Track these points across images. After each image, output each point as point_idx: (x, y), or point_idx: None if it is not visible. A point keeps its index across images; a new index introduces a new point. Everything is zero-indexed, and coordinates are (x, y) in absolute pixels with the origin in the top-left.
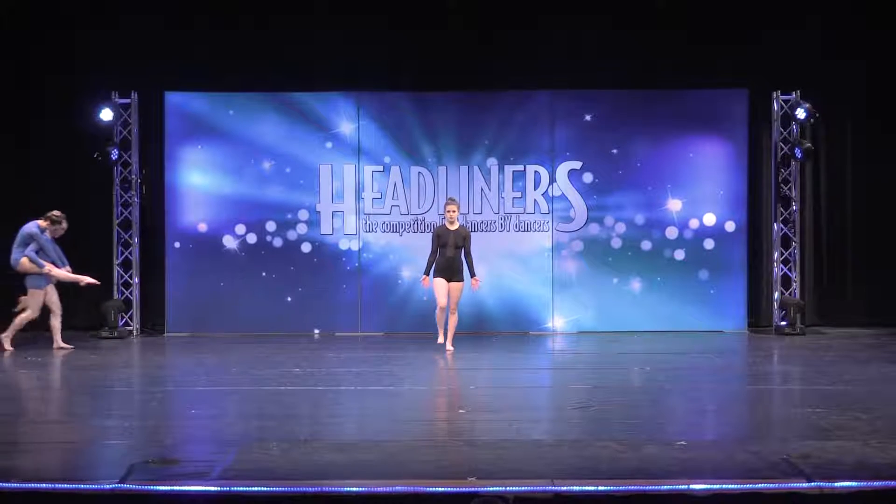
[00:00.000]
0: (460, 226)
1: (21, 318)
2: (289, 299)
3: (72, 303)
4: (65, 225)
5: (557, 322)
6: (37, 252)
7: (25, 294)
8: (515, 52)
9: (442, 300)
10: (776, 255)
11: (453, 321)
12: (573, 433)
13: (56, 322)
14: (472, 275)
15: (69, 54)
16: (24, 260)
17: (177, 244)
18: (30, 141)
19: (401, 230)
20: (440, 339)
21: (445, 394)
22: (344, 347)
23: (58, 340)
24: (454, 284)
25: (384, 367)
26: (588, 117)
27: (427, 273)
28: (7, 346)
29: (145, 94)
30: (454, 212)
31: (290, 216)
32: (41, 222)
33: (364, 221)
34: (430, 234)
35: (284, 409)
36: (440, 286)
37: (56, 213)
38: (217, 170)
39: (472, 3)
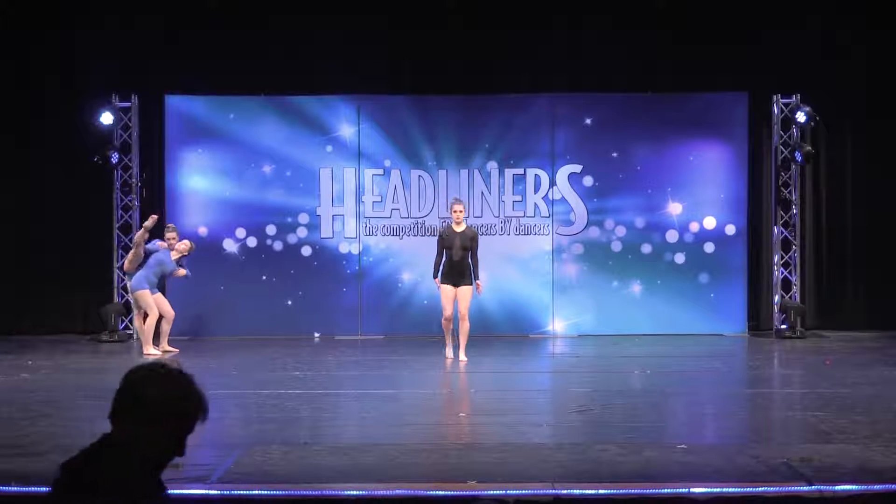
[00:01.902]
0: (467, 227)
1: (148, 324)
2: (289, 303)
3: (72, 305)
4: (174, 235)
5: (558, 325)
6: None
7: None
8: (515, 52)
9: (448, 310)
10: (776, 258)
11: (464, 328)
12: (574, 436)
13: (150, 322)
14: (476, 278)
15: (69, 54)
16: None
17: None
18: (30, 141)
19: (401, 233)
20: (448, 353)
21: (446, 397)
22: (344, 350)
23: (145, 346)
24: (462, 289)
25: (384, 371)
26: (588, 121)
27: (436, 276)
28: (150, 350)
29: (145, 96)
30: (461, 212)
31: (290, 220)
32: (160, 242)
33: (364, 225)
34: (433, 238)
35: (285, 412)
36: (446, 294)
37: (168, 224)
38: (217, 173)
39: (472, 3)
